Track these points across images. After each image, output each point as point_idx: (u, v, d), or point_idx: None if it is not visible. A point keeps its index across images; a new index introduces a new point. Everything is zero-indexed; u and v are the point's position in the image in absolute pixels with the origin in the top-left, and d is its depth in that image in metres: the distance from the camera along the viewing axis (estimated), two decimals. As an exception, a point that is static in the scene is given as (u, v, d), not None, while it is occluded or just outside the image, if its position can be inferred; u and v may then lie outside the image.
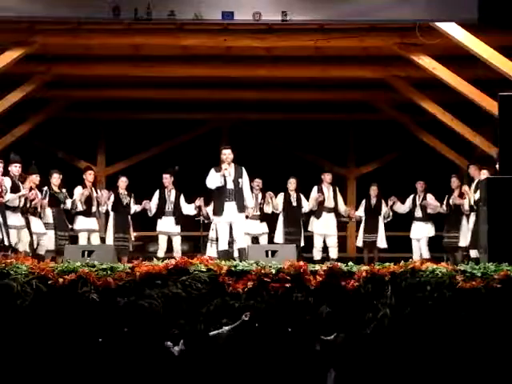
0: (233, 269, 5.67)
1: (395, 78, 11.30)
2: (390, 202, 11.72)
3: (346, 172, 14.19)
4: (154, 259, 6.02)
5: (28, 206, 9.84)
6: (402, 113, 12.91)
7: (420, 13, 9.09)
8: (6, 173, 9.52)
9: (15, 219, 9.48)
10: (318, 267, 5.70)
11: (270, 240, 11.34)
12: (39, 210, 10.17)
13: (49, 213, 10.43)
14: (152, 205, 11.27)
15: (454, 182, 11.17)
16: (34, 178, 10.19)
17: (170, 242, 11.36)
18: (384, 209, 11.79)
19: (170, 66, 11.12)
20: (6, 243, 9.09)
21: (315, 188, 11.56)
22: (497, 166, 9.27)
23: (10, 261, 5.84)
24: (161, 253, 11.09)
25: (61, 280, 5.53)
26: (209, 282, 5.59)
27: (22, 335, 5.50)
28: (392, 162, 13.88)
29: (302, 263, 5.74)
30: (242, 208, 9.35)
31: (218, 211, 9.37)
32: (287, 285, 5.55)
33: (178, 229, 11.29)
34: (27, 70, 10.87)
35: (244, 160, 9.63)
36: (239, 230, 9.35)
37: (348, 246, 13.64)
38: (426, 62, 9.90)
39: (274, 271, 5.61)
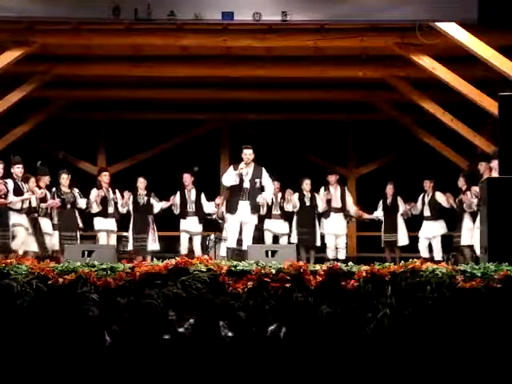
0: (233, 269, 5.67)
1: (395, 78, 11.32)
2: (407, 206, 11.69)
3: (346, 172, 14.18)
4: (154, 259, 6.02)
5: (35, 207, 9.85)
6: (402, 113, 12.91)
7: (420, 13, 9.09)
8: (6, 174, 9.53)
9: (21, 219, 9.49)
10: (318, 267, 5.70)
11: (289, 241, 11.42)
12: (49, 210, 10.23)
13: (55, 214, 10.50)
14: None
15: (461, 181, 11.11)
16: (46, 180, 10.27)
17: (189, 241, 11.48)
18: (401, 208, 11.74)
19: (170, 66, 11.13)
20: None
21: (322, 189, 11.62)
22: (492, 163, 9.31)
23: (9, 261, 5.84)
24: (183, 250, 11.18)
25: (61, 280, 5.53)
26: (209, 282, 5.59)
27: (22, 335, 5.50)
28: (392, 162, 13.88)
29: (301, 263, 5.74)
30: (255, 208, 9.41)
31: (232, 209, 9.42)
32: (287, 285, 5.54)
33: (200, 228, 11.39)
34: (27, 70, 10.88)
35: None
36: (249, 230, 9.40)
37: (348, 245, 13.62)
38: (426, 62, 9.91)
39: (273, 271, 5.60)
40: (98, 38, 9.99)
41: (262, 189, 9.50)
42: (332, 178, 11.70)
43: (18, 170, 9.62)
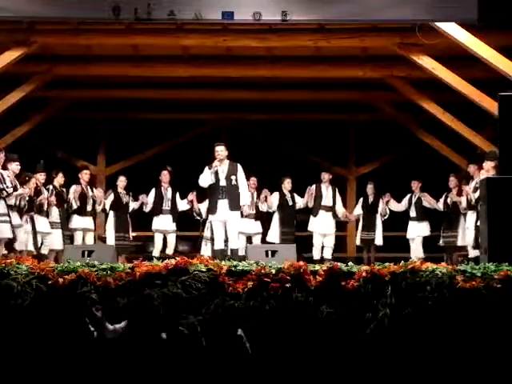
0: (233, 269, 5.67)
1: (395, 78, 11.32)
2: (384, 199, 11.74)
3: (346, 172, 14.19)
4: (154, 259, 6.02)
5: (30, 204, 9.85)
6: (402, 113, 12.92)
7: (420, 13, 9.08)
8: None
9: (13, 218, 9.47)
10: (317, 267, 5.70)
11: (264, 239, 11.36)
12: (45, 208, 10.22)
13: (56, 212, 10.50)
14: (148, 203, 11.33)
15: (452, 181, 11.17)
16: (39, 177, 10.24)
17: (164, 240, 11.41)
18: (381, 206, 11.81)
19: (170, 66, 11.14)
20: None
21: (314, 186, 11.58)
22: (486, 162, 9.32)
23: (9, 261, 5.84)
24: (156, 252, 11.13)
25: (61, 280, 5.53)
26: (209, 281, 5.59)
27: (22, 335, 5.50)
28: (392, 162, 13.89)
29: (301, 263, 5.74)
30: (234, 206, 9.22)
31: (212, 209, 9.33)
32: (287, 285, 5.54)
33: (173, 226, 11.33)
34: (27, 70, 10.88)
35: (243, 160, 9.62)
36: (232, 229, 9.25)
37: (348, 245, 13.64)
38: (426, 62, 9.91)
39: (273, 271, 5.60)
40: (97, 37, 10.00)
41: (238, 185, 9.32)
42: (326, 176, 11.67)
43: (16, 167, 9.60)
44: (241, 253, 9.31)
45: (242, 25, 9.49)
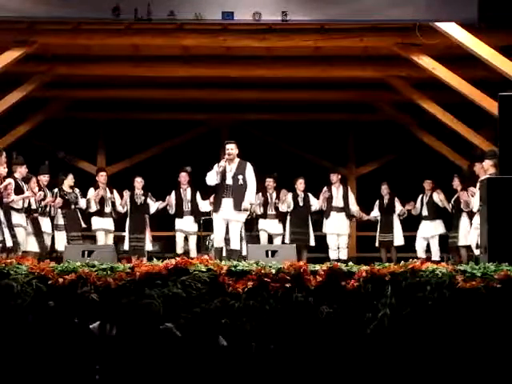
0: (233, 269, 5.66)
1: (395, 78, 11.33)
2: (408, 207, 11.68)
3: (346, 172, 14.16)
4: (154, 259, 6.01)
5: (36, 207, 9.86)
6: (402, 113, 12.92)
7: (420, 13, 9.10)
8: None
9: (21, 219, 9.48)
10: (318, 267, 5.69)
11: (284, 241, 11.40)
12: (47, 209, 10.23)
13: (59, 214, 10.52)
14: None
15: (456, 181, 11.16)
16: (42, 179, 10.25)
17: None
18: (399, 207, 11.77)
19: (170, 66, 11.15)
20: (9, 244, 9.08)
21: (325, 188, 11.60)
22: (484, 163, 9.30)
23: (10, 261, 5.84)
24: (179, 249, 11.20)
25: (61, 280, 5.53)
26: (209, 281, 5.58)
27: (21, 335, 5.50)
28: (392, 163, 13.89)
29: (301, 263, 5.73)
30: (239, 206, 9.06)
31: (216, 207, 9.24)
32: (287, 285, 5.54)
33: (195, 228, 11.35)
34: (27, 70, 10.89)
35: (243, 160, 9.59)
36: (234, 229, 9.14)
37: (348, 245, 13.61)
38: (426, 62, 9.92)
39: (273, 271, 5.60)
40: (98, 37, 10.00)
41: (245, 185, 9.16)
42: (334, 177, 11.71)
43: (24, 170, 9.62)
44: None
45: (241, 25, 9.49)
